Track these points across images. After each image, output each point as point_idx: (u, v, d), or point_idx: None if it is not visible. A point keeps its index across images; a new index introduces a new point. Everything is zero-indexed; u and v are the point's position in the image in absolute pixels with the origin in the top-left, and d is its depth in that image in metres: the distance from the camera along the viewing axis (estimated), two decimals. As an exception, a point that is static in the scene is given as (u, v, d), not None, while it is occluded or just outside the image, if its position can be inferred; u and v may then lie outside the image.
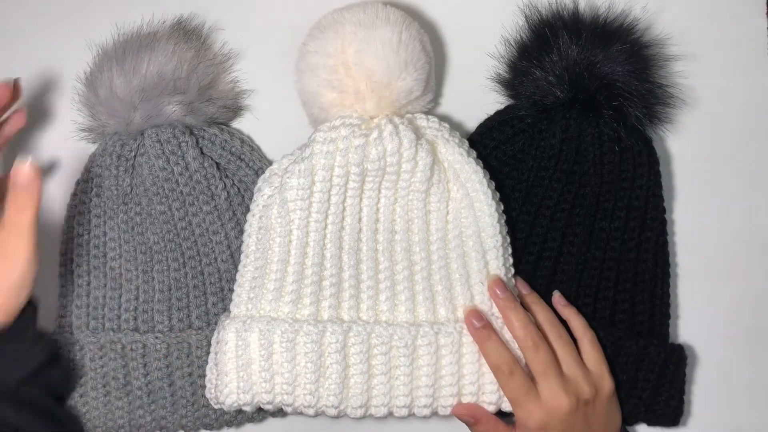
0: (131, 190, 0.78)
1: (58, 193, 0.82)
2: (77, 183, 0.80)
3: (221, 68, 0.82)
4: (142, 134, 0.78)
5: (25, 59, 0.84)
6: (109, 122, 0.78)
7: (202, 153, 0.78)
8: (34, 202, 0.64)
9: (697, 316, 0.83)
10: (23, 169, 0.63)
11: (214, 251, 0.79)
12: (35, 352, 0.68)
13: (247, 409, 0.74)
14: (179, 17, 0.81)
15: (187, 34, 0.80)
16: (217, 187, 0.78)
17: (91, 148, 0.80)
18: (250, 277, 0.75)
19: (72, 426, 0.75)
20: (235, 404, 0.73)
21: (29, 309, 0.68)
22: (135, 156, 0.78)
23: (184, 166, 0.77)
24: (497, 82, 0.81)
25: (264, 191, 0.75)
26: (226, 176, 0.79)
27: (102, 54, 0.78)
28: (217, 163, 0.79)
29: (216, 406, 0.75)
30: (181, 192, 0.77)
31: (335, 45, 0.72)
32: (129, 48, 0.77)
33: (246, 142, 0.82)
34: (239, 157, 0.80)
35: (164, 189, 0.77)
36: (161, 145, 0.77)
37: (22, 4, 0.85)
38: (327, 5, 0.76)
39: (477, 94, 0.82)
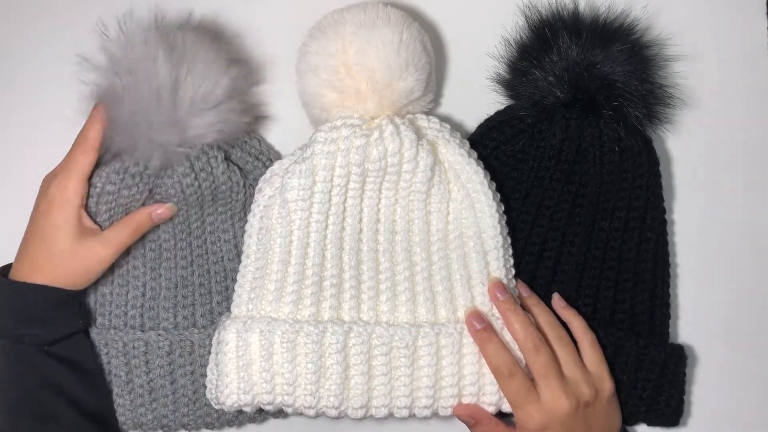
0: (146, 201, 0.77)
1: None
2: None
3: (254, 79, 0.82)
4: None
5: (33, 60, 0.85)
6: (138, 140, 0.72)
7: (228, 166, 0.76)
8: (137, 233, 0.76)
9: (697, 316, 0.83)
10: (162, 209, 0.76)
11: (221, 249, 0.79)
12: (77, 319, 0.76)
13: (247, 409, 0.74)
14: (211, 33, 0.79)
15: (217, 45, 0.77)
16: (238, 193, 0.78)
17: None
18: (250, 278, 0.75)
19: (105, 393, 0.78)
20: (236, 405, 0.73)
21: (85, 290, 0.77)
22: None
23: (212, 181, 0.76)
24: (497, 83, 0.81)
25: (265, 192, 0.75)
26: (245, 177, 0.79)
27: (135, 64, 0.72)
28: (237, 165, 0.78)
29: (216, 407, 0.75)
30: (203, 200, 0.77)
31: (336, 45, 0.72)
32: (166, 61, 0.71)
33: (262, 141, 0.81)
34: (256, 158, 0.80)
35: (187, 201, 0.77)
36: (190, 162, 0.75)
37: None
38: (327, 5, 0.76)
39: (477, 95, 0.82)
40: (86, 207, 0.75)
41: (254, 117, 0.81)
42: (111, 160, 0.75)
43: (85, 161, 0.74)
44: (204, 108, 0.73)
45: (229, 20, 0.84)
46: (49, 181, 0.75)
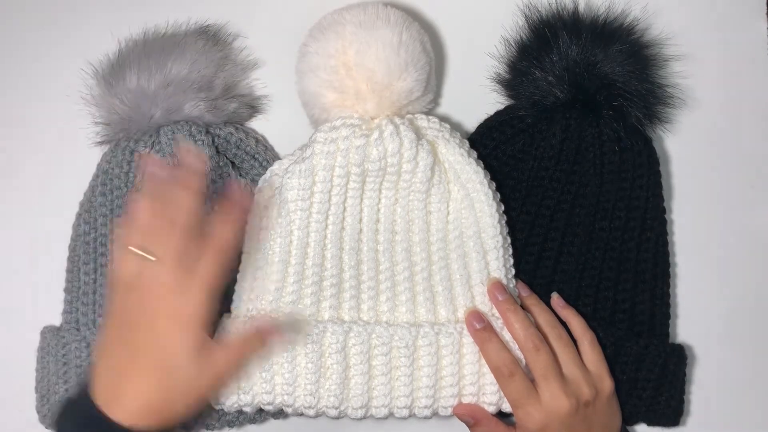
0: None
1: (69, 191, 0.81)
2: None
3: (245, 70, 0.83)
4: (158, 132, 0.77)
5: (34, 58, 0.85)
6: (129, 116, 0.76)
7: (217, 152, 0.78)
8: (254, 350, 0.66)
9: (697, 316, 0.83)
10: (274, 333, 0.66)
11: None
12: None
13: (247, 409, 0.74)
14: (204, 23, 0.82)
15: (214, 37, 0.81)
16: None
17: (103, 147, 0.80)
18: (250, 278, 0.75)
19: None
20: (236, 405, 0.73)
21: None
22: (149, 153, 0.77)
23: None
24: (497, 82, 0.81)
25: (264, 192, 0.75)
26: (240, 176, 0.79)
27: (125, 50, 0.77)
28: (232, 162, 0.79)
29: (216, 407, 0.75)
30: None
31: (336, 46, 0.72)
32: (154, 46, 0.76)
33: (261, 141, 0.82)
34: (253, 156, 0.80)
35: None
36: (177, 143, 0.76)
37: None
38: (327, 6, 0.76)
39: (477, 95, 0.82)
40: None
41: (247, 107, 0.81)
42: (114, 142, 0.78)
43: (216, 265, 0.63)
44: (190, 87, 0.75)
45: (229, 20, 0.84)
46: (149, 280, 0.60)
